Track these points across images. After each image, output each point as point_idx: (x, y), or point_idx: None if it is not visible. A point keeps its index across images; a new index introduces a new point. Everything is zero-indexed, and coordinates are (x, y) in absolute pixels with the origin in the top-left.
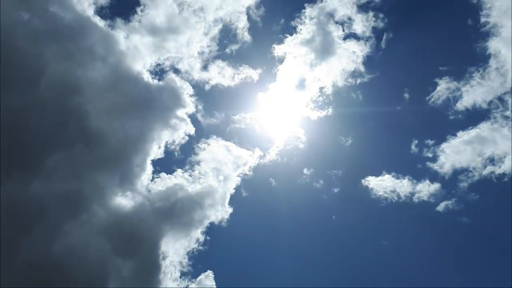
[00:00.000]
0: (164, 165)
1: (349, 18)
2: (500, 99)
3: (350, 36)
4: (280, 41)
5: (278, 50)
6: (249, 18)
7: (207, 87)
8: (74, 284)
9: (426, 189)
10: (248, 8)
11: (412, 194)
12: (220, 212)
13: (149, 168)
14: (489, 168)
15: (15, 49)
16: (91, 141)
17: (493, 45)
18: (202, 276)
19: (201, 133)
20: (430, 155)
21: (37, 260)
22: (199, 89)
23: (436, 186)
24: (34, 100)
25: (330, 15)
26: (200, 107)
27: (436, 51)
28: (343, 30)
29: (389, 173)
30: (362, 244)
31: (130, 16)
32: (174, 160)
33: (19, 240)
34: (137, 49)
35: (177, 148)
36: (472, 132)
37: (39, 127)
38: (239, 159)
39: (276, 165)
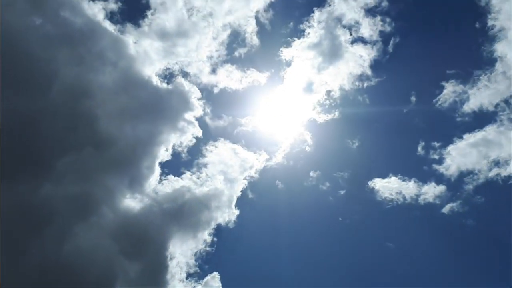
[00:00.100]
0: (172, 167)
1: (357, 22)
2: (507, 102)
3: (358, 40)
4: (288, 45)
5: (285, 53)
6: (258, 22)
7: (215, 90)
8: (83, 285)
9: (431, 191)
10: (257, 12)
11: (418, 196)
12: (227, 214)
13: (157, 170)
14: (495, 171)
15: (27, 53)
16: (100, 144)
17: (500, 48)
18: (208, 278)
19: (209, 135)
20: (436, 157)
21: (47, 262)
22: (207, 93)
23: (441, 188)
24: (46, 104)
25: (338, 19)
26: (208, 110)
27: (443, 55)
28: (351, 34)
29: (395, 175)
30: (367, 246)
31: (140, 21)
32: (181, 162)
33: (30, 241)
34: (146, 54)
35: (185, 150)
36: (478, 135)
37: (50, 130)
38: (246, 162)
39: (283, 168)
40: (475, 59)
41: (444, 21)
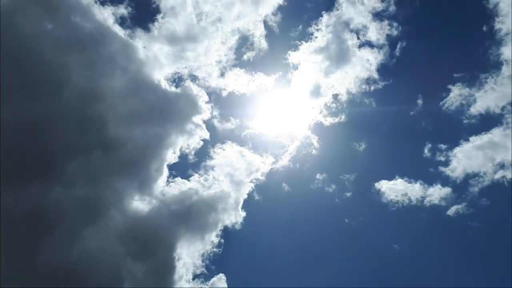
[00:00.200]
0: (179, 169)
1: (364, 26)
2: None
3: (365, 44)
4: (296, 48)
5: (293, 57)
6: (266, 26)
7: (223, 93)
8: (92, 286)
9: (437, 193)
10: (266, 16)
11: (423, 198)
12: (234, 216)
13: (165, 173)
14: (500, 173)
15: (39, 58)
16: (110, 147)
17: (507, 51)
18: (214, 279)
19: (217, 138)
20: (442, 159)
21: (56, 263)
22: (215, 96)
23: (447, 190)
24: (57, 107)
25: (346, 23)
26: (216, 113)
27: (449, 58)
28: (358, 38)
29: (401, 177)
30: (373, 247)
31: (150, 25)
32: (189, 164)
33: (40, 243)
34: (156, 58)
35: (192, 153)
36: (484, 137)
37: (61, 133)
38: (253, 164)
39: (289, 171)
40: (481, 63)
41: (451, 25)
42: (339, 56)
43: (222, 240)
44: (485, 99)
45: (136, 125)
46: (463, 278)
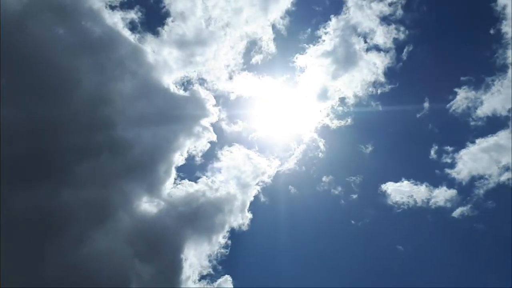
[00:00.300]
0: (187, 172)
1: (372, 30)
2: None
3: (372, 48)
4: (303, 51)
5: (300, 60)
6: (274, 29)
7: (231, 96)
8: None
9: (442, 195)
10: (274, 20)
11: (429, 199)
12: (240, 218)
13: (173, 175)
14: (506, 175)
15: (50, 62)
16: (118, 149)
17: None
18: (221, 280)
19: (224, 140)
20: (448, 161)
21: (64, 265)
22: (223, 99)
23: (452, 192)
24: (66, 110)
25: (353, 27)
26: (223, 115)
27: (456, 61)
28: (365, 42)
29: (408, 179)
30: (378, 249)
31: (159, 30)
32: (196, 167)
33: (48, 245)
34: (165, 62)
35: (200, 155)
36: (490, 140)
37: (70, 136)
38: (259, 167)
39: (295, 173)
40: (488, 65)
41: (457, 28)
42: (346, 60)
43: (229, 242)
44: (491, 102)
45: (144, 128)
46: (468, 280)
